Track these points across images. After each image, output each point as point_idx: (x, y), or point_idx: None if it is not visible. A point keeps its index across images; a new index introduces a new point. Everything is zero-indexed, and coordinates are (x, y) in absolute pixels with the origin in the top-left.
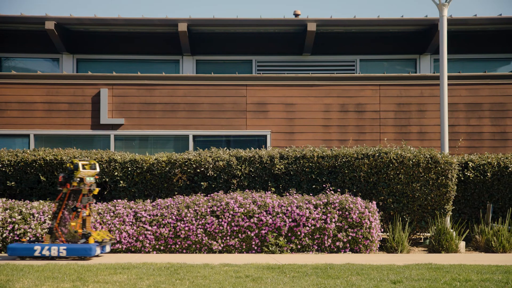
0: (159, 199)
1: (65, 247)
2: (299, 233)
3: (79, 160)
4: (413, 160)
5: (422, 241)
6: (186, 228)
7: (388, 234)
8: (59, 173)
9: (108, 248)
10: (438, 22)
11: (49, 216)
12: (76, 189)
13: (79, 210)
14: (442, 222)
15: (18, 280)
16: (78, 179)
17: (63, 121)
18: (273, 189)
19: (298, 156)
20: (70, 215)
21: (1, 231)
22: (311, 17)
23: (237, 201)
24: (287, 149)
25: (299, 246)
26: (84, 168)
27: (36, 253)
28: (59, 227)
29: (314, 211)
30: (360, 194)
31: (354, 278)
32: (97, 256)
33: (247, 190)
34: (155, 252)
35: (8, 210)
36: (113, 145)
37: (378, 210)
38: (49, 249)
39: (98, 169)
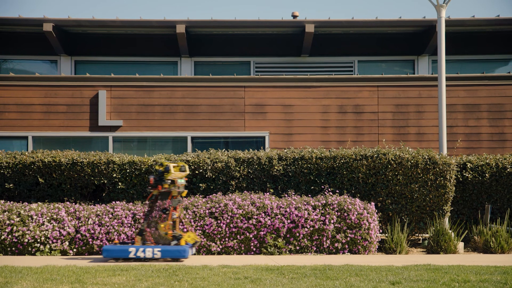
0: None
1: (159, 249)
2: (297, 234)
3: (170, 162)
4: (412, 161)
5: (421, 242)
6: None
7: (386, 235)
8: (149, 175)
9: (194, 250)
10: (436, 23)
11: (48, 218)
12: (166, 191)
13: (168, 211)
14: (440, 223)
15: (16, 282)
16: (169, 181)
17: (62, 123)
18: (271, 190)
19: (296, 157)
20: (159, 217)
21: (0, 233)
22: (309, 19)
23: (235, 203)
24: (285, 150)
25: (297, 247)
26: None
27: (131, 255)
28: (148, 229)
29: (313, 212)
30: (358, 195)
31: (353, 279)
32: (187, 258)
33: (245, 191)
34: None
35: (7, 212)
36: (112, 147)
37: (376, 211)
38: (143, 251)
39: (187, 171)
